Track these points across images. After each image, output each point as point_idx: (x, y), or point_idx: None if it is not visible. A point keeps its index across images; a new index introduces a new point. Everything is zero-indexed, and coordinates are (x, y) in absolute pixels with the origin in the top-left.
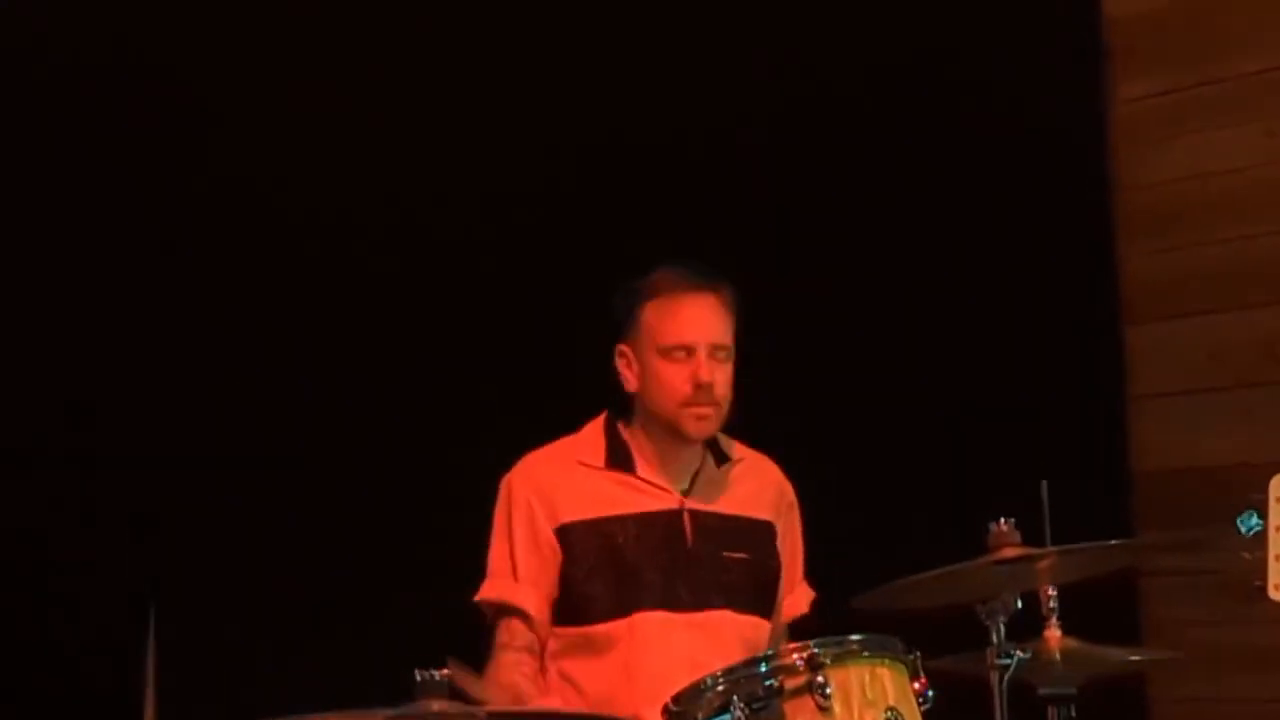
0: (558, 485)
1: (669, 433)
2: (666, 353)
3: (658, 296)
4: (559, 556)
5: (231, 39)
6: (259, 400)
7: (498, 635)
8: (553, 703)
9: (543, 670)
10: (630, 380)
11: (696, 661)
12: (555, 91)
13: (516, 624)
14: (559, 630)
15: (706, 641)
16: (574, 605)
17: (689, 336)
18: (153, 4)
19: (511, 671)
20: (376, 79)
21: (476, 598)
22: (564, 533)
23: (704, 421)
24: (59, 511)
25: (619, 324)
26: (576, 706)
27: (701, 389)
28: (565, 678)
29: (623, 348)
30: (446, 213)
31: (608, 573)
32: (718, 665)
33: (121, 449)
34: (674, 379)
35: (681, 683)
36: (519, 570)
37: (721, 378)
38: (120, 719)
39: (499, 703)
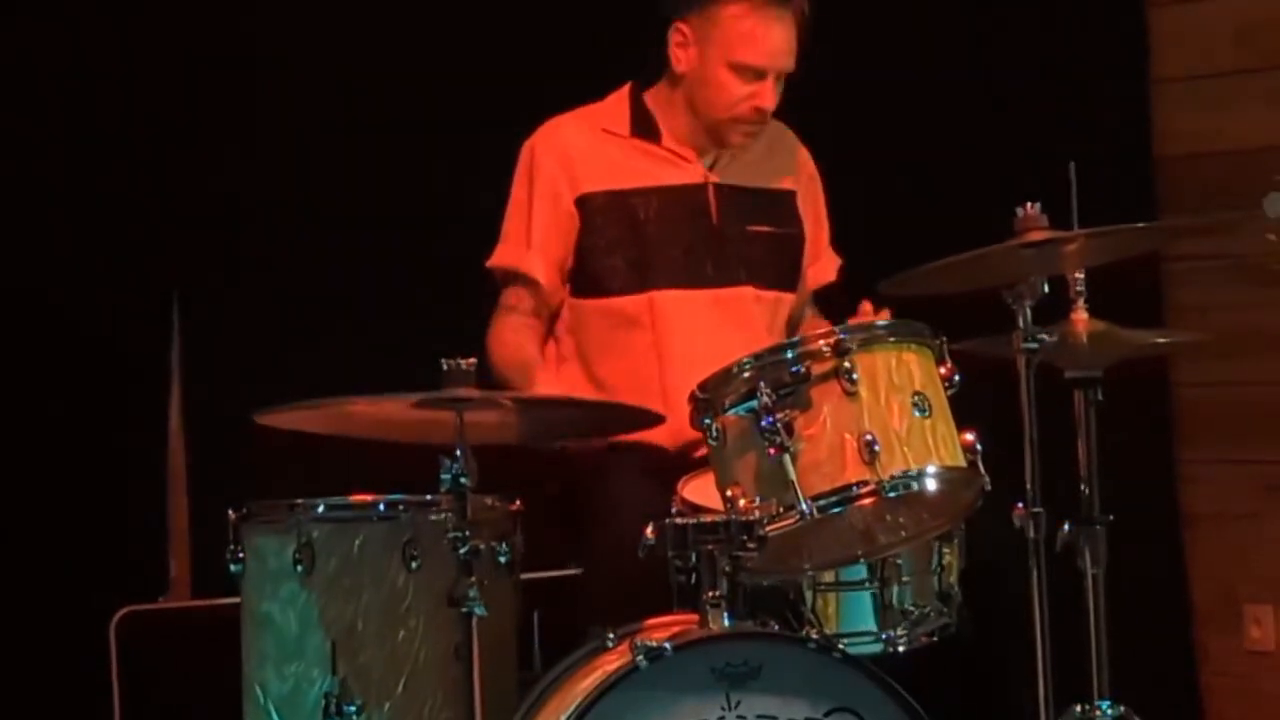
0: (582, 152)
1: (705, 126)
2: (737, 68)
3: (743, 2)
4: (576, 225)
5: None
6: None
7: (504, 298)
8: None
9: (561, 359)
10: (681, 61)
11: (721, 341)
12: None
13: (524, 290)
14: (576, 301)
15: (730, 319)
16: (591, 276)
17: (765, 61)
18: None
19: (516, 333)
20: None
21: (488, 263)
22: (584, 202)
23: (749, 138)
24: (88, 206)
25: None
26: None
27: (760, 114)
28: (594, 380)
29: (682, 26)
30: None
31: (628, 247)
32: (743, 347)
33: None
34: (735, 94)
35: (709, 365)
36: (533, 237)
37: (777, 99)
38: (148, 404)
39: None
